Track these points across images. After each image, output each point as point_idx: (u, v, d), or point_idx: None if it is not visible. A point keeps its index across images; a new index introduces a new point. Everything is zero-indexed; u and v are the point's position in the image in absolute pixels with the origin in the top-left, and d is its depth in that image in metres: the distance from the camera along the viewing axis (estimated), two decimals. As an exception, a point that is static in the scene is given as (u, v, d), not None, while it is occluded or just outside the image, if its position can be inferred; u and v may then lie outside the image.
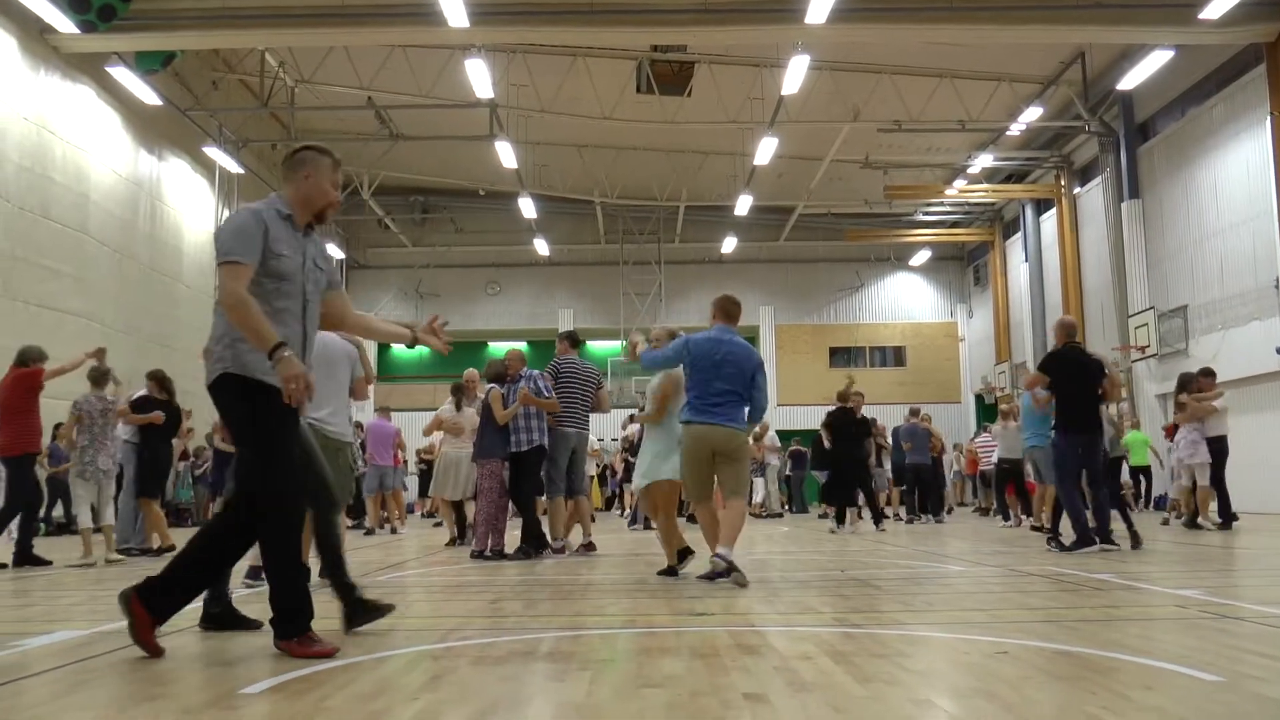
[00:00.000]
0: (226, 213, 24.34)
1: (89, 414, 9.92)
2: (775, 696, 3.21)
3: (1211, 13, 16.59)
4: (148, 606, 4.11)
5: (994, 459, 16.57)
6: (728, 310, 7.17)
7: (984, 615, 5.25)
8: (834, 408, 15.18)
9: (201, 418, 17.28)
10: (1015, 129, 24.40)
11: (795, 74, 19.18)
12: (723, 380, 6.89)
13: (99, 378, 10.17)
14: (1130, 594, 5.99)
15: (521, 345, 12.60)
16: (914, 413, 18.11)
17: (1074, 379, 9.24)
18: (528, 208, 27.45)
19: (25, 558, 9.58)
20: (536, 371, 9.83)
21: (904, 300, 34.50)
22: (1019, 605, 5.63)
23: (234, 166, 23.57)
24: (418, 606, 6.11)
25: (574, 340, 10.58)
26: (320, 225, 4.46)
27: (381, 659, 4.04)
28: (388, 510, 15.89)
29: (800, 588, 6.54)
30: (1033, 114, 23.44)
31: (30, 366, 9.93)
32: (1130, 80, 20.23)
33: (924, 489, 17.67)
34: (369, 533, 15.27)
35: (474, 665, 3.90)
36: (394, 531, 15.30)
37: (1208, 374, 13.03)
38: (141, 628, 4.09)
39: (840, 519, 14.19)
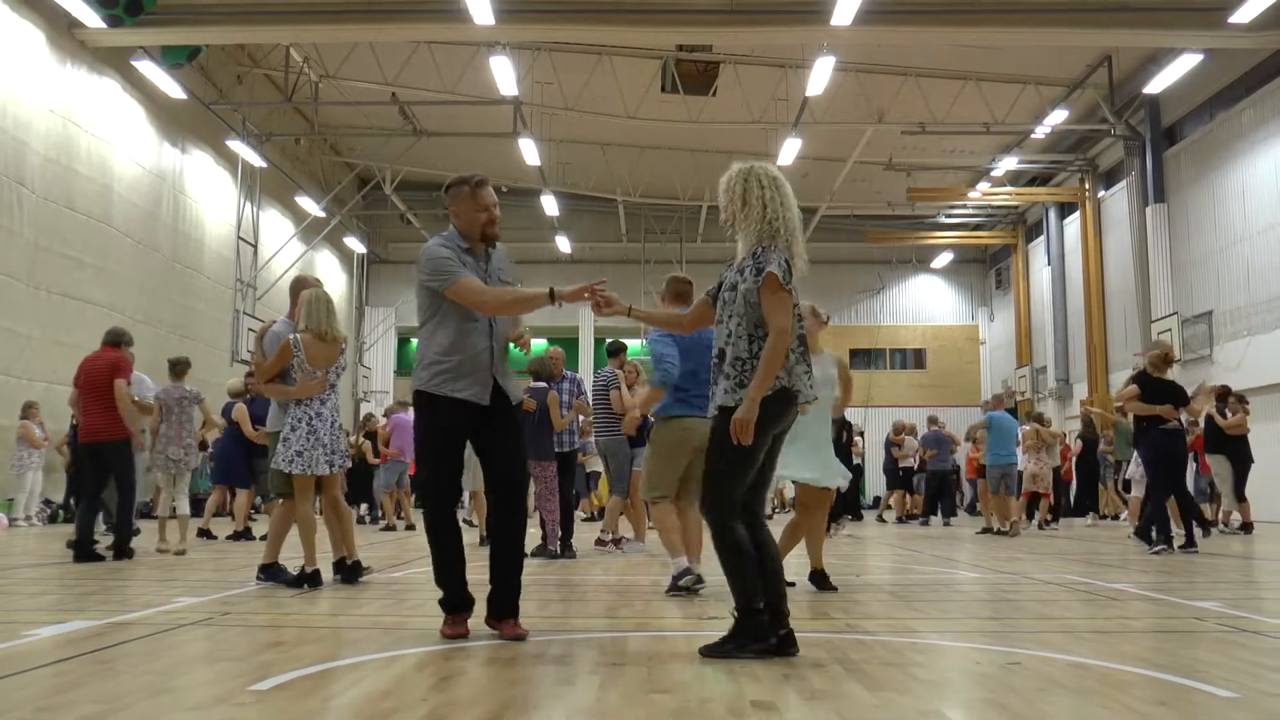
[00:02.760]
0: (250, 206, 24.45)
1: (166, 404, 10.21)
2: (785, 705, 3.19)
3: (1242, 16, 16.43)
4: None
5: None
6: (682, 292, 6.75)
7: (998, 624, 5.22)
8: None
9: (215, 410, 17.29)
10: (1040, 132, 24.21)
11: (820, 75, 19.10)
12: (705, 368, 6.68)
13: (179, 368, 10.47)
14: (1147, 605, 5.94)
15: (542, 343, 12.62)
16: (933, 420, 18.64)
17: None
18: (550, 205, 27.45)
19: (86, 551, 8.95)
20: (579, 375, 10.09)
21: (925, 303, 34.34)
22: (1034, 614, 5.59)
23: (257, 160, 23.65)
24: (430, 605, 6.10)
25: (608, 350, 10.78)
26: (491, 245, 4.76)
27: (392, 658, 4.05)
28: (403, 506, 15.93)
29: (814, 592, 6.51)
30: (1058, 117, 23.25)
31: (123, 349, 9.61)
32: (1157, 84, 20.04)
33: (945, 492, 18.09)
34: (389, 528, 15.31)
35: (484, 667, 3.90)
36: (410, 527, 15.34)
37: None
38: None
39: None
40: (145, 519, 15.66)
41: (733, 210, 4.24)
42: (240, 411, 12.42)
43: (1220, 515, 14.60)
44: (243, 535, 12.14)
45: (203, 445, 20.04)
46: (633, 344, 32.25)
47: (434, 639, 4.50)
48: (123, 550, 9.12)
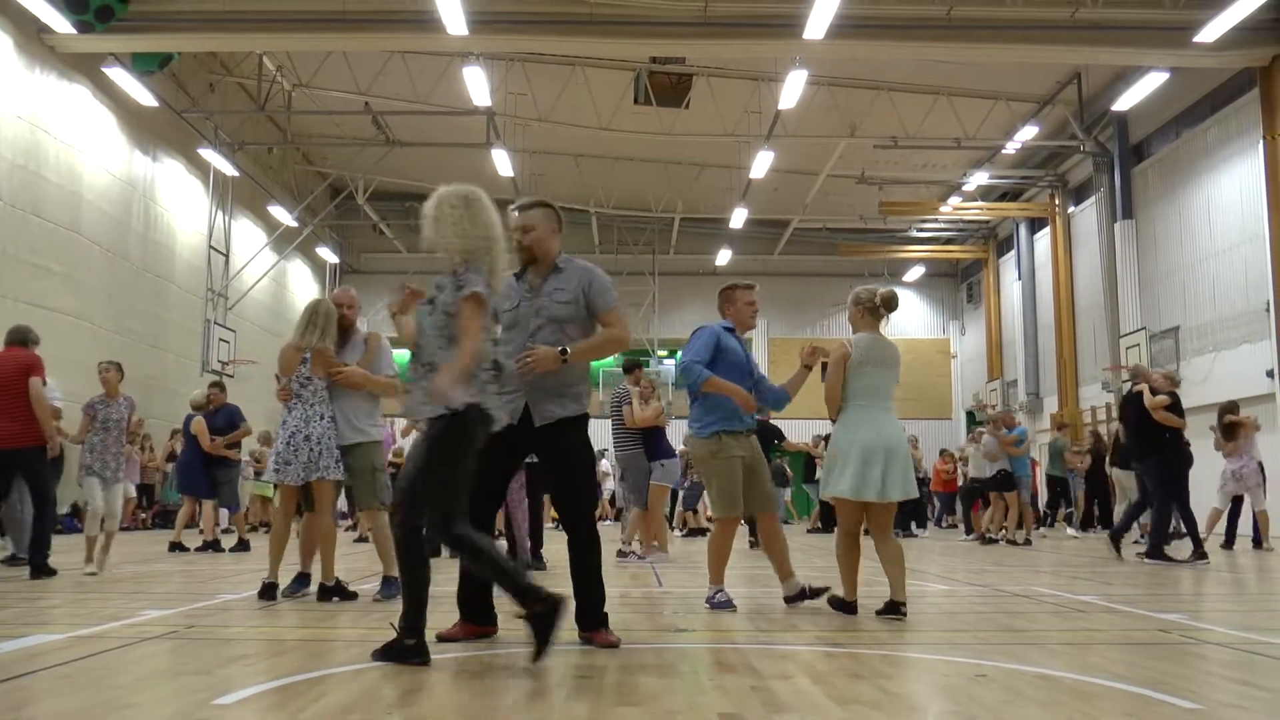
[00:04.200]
0: (220, 215, 24.31)
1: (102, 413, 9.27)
2: (753, 717, 3.19)
3: (1206, 36, 16.64)
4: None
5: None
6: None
7: (966, 636, 5.24)
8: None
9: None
10: (1011, 147, 24.43)
11: (793, 88, 19.20)
12: (746, 385, 6.39)
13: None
14: (1113, 617, 5.98)
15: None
16: None
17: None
18: (523, 216, 27.42)
19: (41, 567, 8.34)
20: None
21: (897, 316, 33.90)
22: (1002, 626, 5.62)
23: (229, 169, 23.51)
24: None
25: (623, 367, 11.34)
26: (535, 268, 4.88)
27: (359, 671, 4.02)
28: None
29: (784, 604, 6.51)
30: (1028, 133, 23.48)
31: (31, 349, 8.85)
32: (1125, 101, 20.28)
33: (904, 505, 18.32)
34: (362, 539, 15.20)
35: (452, 679, 3.88)
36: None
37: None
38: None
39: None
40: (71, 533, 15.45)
41: (429, 232, 4.38)
42: (199, 425, 12.29)
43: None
44: (211, 546, 12.02)
45: (171, 456, 19.98)
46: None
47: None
48: (41, 568, 8.28)
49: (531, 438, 4.81)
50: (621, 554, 10.58)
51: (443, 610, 4.88)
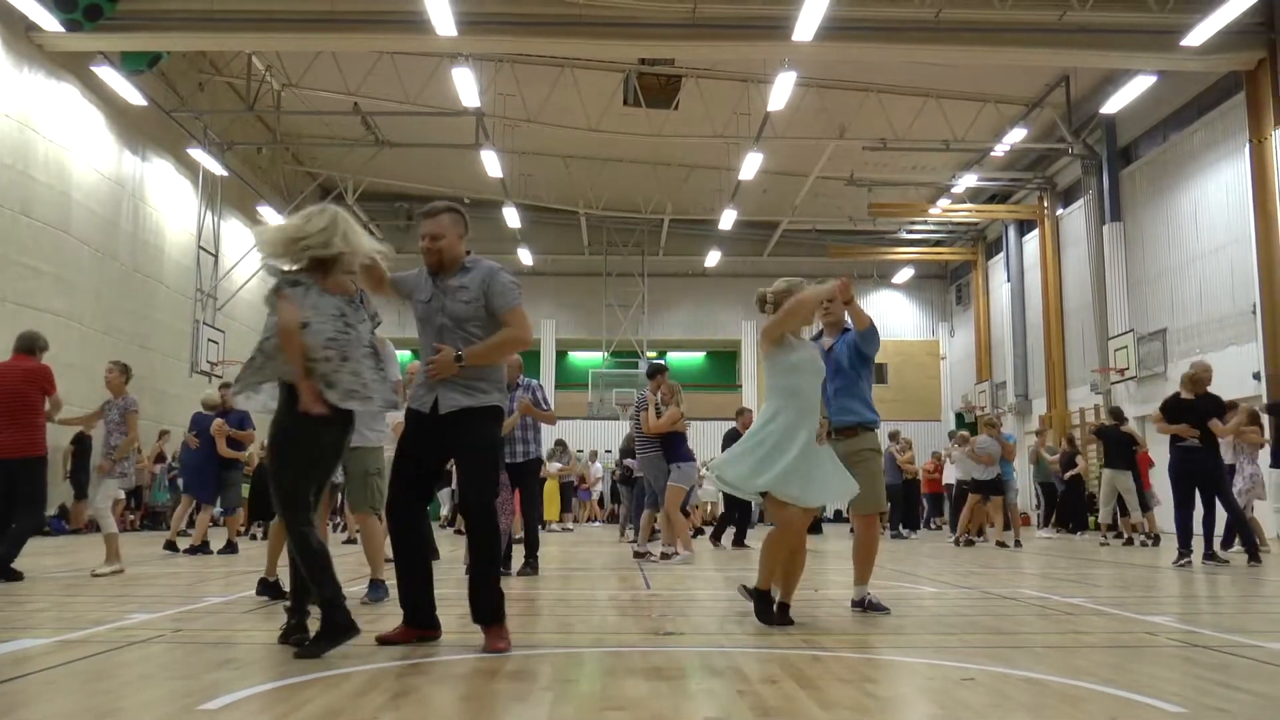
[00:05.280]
0: (210, 215, 24.24)
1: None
2: (738, 722, 3.20)
3: (1193, 40, 16.72)
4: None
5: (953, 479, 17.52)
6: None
7: (953, 639, 5.24)
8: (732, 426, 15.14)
9: (173, 421, 17.16)
10: (999, 150, 24.51)
11: (782, 90, 19.22)
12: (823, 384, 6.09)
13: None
14: (1100, 620, 6.00)
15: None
16: (892, 437, 19.02)
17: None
18: (512, 217, 27.41)
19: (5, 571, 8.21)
20: (535, 381, 9.64)
21: (886, 318, 34.53)
22: (989, 629, 5.63)
23: (218, 169, 23.46)
24: (384, 621, 6.05)
25: (646, 372, 11.70)
26: (444, 271, 4.92)
27: (344, 675, 4.01)
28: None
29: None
30: (1017, 135, 23.54)
31: (39, 357, 8.75)
32: (1113, 104, 20.36)
33: (894, 506, 18.29)
34: (351, 540, 15.17)
35: (436, 684, 3.88)
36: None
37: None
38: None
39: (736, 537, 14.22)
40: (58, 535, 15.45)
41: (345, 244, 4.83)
42: (220, 426, 12.22)
43: (1132, 526, 15.20)
44: (200, 549, 11.97)
45: (160, 458, 19.92)
46: (593, 356, 32.43)
47: (388, 656, 4.47)
48: (6, 572, 8.17)
49: (439, 424, 4.77)
50: (638, 554, 10.91)
51: (395, 615, 4.89)
